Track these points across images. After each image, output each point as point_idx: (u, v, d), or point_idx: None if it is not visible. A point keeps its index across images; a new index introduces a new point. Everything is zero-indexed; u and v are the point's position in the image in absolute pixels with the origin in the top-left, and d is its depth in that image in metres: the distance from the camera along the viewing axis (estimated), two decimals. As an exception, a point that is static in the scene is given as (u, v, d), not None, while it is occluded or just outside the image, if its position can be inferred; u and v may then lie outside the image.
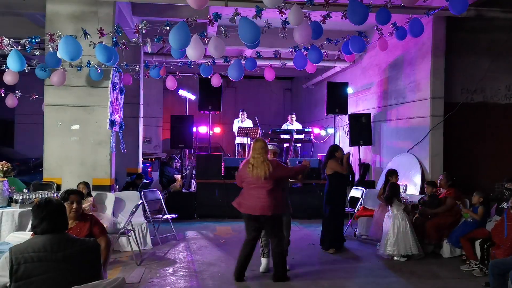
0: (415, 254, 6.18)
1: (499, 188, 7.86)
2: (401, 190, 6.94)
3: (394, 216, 6.28)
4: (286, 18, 5.35)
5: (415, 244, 6.18)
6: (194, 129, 10.71)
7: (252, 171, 5.15)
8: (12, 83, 6.82)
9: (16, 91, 8.66)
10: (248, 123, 11.16)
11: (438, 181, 6.94)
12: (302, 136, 11.05)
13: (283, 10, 5.22)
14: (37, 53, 6.40)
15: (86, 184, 6.43)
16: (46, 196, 5.87)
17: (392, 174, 6.76)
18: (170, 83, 8.72)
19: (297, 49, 6.82)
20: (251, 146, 5.37)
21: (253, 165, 5.17)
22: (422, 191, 7.59)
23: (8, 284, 2.52)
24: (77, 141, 7.34)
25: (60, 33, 5.95)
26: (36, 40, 5.88)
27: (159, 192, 7.93)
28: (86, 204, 6.05)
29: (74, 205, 3.89)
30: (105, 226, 4.36)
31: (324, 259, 6.35)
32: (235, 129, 11.02)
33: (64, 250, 2.64)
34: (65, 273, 2.60)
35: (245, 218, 5.34)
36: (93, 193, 6.63)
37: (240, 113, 11.38)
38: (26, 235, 4.22)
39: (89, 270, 2.73)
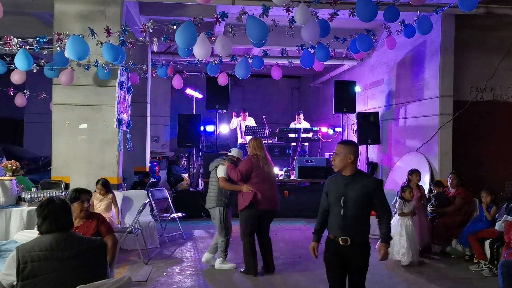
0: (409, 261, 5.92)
1: (509, 188, 7.78)
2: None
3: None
4: (293, 17, 5.31)
5: (406, 251, 5.90)
6: (202, 128, 10.72)
7: (264, 167, 5.40)
8: (19, 82, 6.86)
9: (25, 91, 8.73)
10: (251, 122, 11.14)
11: (448, 181, 6.87)
12: (310, 135, 11.00)
13: (290, 8, 5.18)
14: (45, 52, 6.44)
15: (104, 183, 6.17)
16: (50, 195, 5.91)
17: (413, 173, 6.61)
18: (177, 82, 8.73)
19: (304, 47, 6.78)
20: (254, 143, 5.48)
21: (264, 161, 5.41)
22: (430, 190, 7.52)
23: (15, 283, 2.53)
24: (85, 140, 7.38)
25: (67, 32, 5.97)
26: (44, 40, 5.91)
27: (166, 191, 7.95)
28: (106, 202, 6.11)
29: (85, 204, 3.90)
30: (112, 225, 4.38)
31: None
32: (232, 126, 11.36)
33: (71, 248, 2.64)
34: (71, 272, 2.60)
35: (258, 214, 5.38)
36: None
37: (242, 114, 11.33)
38: (33, 234, 4.23)
39: (95, 269, 2.73)
